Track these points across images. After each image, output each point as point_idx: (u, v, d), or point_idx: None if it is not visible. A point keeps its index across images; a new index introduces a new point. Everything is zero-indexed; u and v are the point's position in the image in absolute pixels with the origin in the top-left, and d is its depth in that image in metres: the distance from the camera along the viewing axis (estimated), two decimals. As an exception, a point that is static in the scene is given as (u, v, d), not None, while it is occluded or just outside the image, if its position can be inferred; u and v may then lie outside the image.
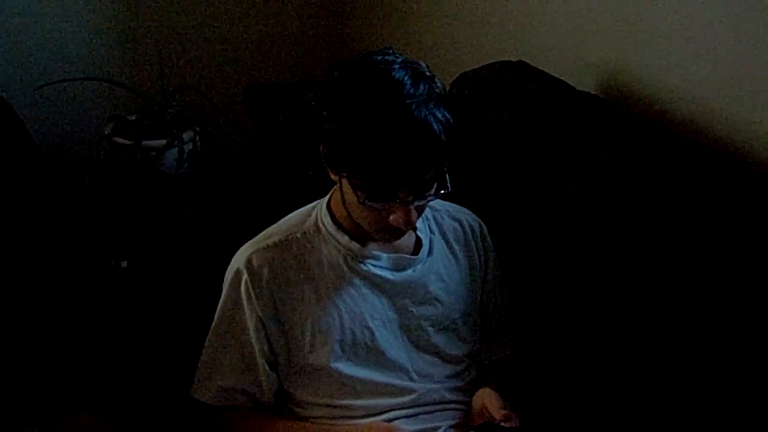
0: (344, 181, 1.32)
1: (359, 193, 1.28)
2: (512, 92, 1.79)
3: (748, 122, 1.57)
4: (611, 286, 1.47)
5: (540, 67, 1.87)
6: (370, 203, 1.28)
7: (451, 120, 1.26)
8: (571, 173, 1.57)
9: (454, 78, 1.92)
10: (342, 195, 1.37)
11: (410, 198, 1.27)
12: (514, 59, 1.92)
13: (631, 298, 1.44)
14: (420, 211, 1.33)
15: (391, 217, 1.29)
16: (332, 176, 1.35)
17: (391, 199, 1.27)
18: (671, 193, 1.44)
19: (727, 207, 1.38)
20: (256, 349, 1.39)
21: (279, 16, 2.92)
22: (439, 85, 1.29)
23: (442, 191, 1.31)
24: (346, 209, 1.38)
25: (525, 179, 1.66)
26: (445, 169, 1.29)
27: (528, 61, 1.91)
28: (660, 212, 1.44)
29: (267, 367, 1.40)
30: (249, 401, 1.43)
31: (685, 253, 1.38)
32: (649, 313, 1.41)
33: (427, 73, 1.28)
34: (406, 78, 1.24)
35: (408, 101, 1.21)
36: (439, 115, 1.24)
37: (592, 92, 1.80)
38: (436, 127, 1.22)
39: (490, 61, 1.92)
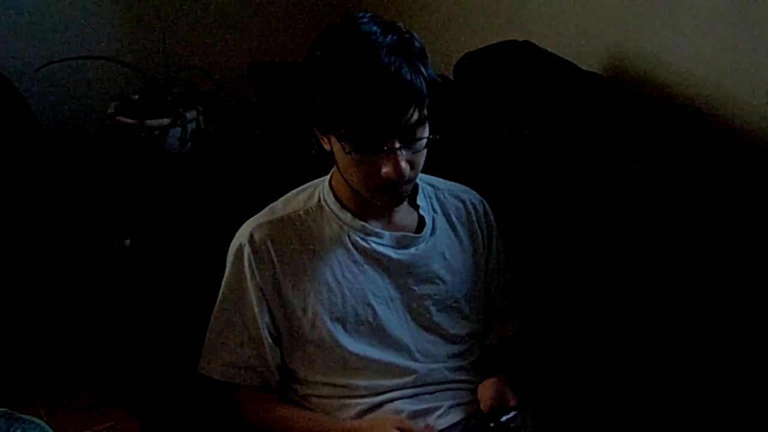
0: (334, 141, 1.32)
1: (345, 145, 1.29)
2: (517, 73, 1.78)
3: (755, 105, 1.56)
4: (615, 269, 1.47)
5: (546, 48, 1.86)
6: (358, 155, 1.28)
7: (424, 67, 1.28)
8: (576, 155, 1.57)
9: (459, 57, 1.90)
10: (337, 164, 1.37)
11: (397, 145, 1.27)
12: (519, 39, 1.90)
13: (634, 281, 1.44)
14: (414, 165, 1.32)
15: (383, 170, 1.29)
16: (325, 145, 1.37)
17: (378, 148, 1.27)
18: (677, 176, 1.44)
19: (734, 190, 1.38)
20: (260, 322, 1.39)
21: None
22: (417, 39, 1.31)
23: (430, 137, 1.32)
24: (342, 176, 1.38)
25: (529, 160, 1.65)
26: (427, 114, 1.30)
27: (534, 41, 1.89)
28: (665, 194, 1.43)
29: (271, 341, 1.41)
30: (256, 380, 1.43)
31: (689, 236, 1.37)
32: (652, 296, 1.41)
33: (403, 28, 1.31)
34: (374, 28, 1.27)
35: (377, 45, 1.24)
36: (412, 59, 1.26)
37: (599, 73, 1.79)
38: (405, 71, 1.24)
39: (496, 41, 1.91)
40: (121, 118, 2.51)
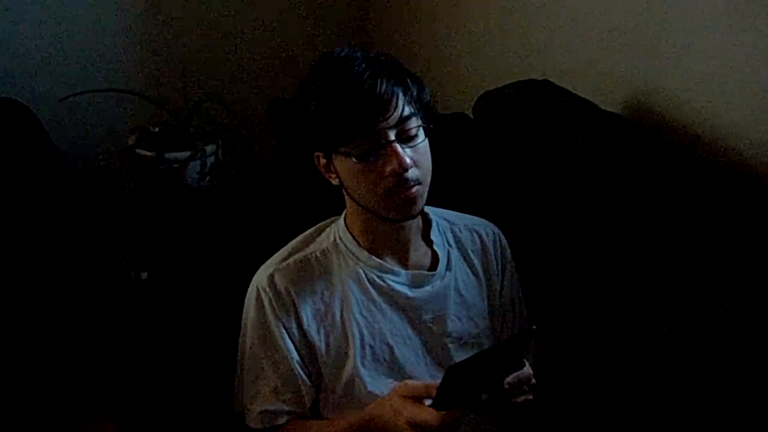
0: (338, 162, 1.35)
1: (343, 150, 1.31)
2: (536, 111, 1.78)
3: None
4: (636, 305, 1.46)
5: (565, 87, 1.87)
6: (360, 163, 1.31)
7: (400, 68, 1.35)
8: (595, 193, 1.57)
9: (478, 96, 1.91)
10: (347, 193, 1.39)
11: (392, 137, 1.30)
12: (539, 78, 1.91)
13: (650, 316, 1.43)
14: (418, 164, 1.33)
15: (387, 168, 1.30)
16: (333, 180, 1.39)
17: (376, 146, 1.30)
18: (696, 216, 1.43)
19: (757, 231, 1.37)
20: (291, 362, 1.38)
21: (302, 31, 2.94)
22: (392, 58, 1.37)
23: (423, 126, 1.35)
24: (355, 201, 1.38)
25: (549, 199, 1.65)
26: (416, 111, 1.34)
27: (553, 80, 1.90)
28: (684, 234, 1.43)
29: (305, 377, 1.40)
30: (290, 417, 1.41)
31: (712, 274, 1.37)
32: (666, 329, 1.40)
33: (382, 56, 1.37)
34: (353, 52, 1.35)
35: (351, 59, 1.32)
36: (385, 63, 1.33)
37: (618, 113, 1.80)
38: (378, 69, 1.32)
39: (515, 80, 1.92)
40: (141, 151, 2.54)
